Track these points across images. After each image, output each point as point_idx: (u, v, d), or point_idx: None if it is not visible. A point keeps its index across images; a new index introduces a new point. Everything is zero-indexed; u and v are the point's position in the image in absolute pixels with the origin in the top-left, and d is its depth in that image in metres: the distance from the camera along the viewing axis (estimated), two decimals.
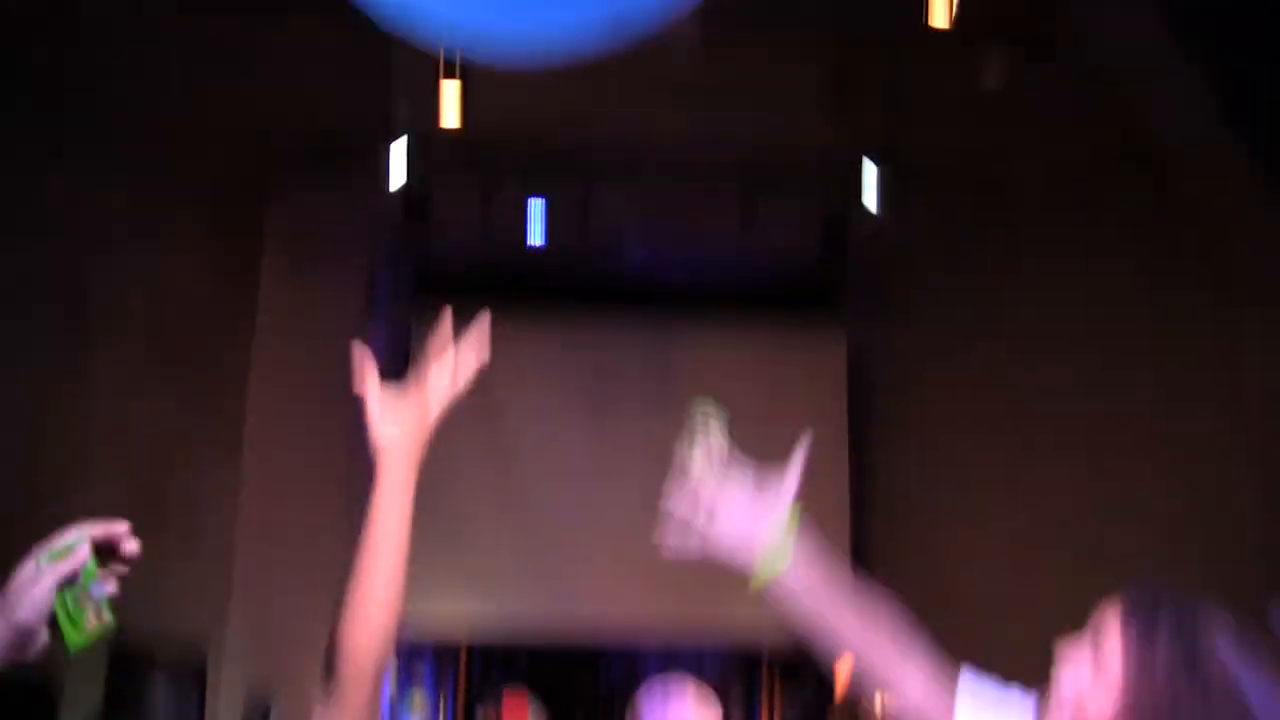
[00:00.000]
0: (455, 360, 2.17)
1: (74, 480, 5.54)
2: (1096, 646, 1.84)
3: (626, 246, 7.36)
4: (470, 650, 8.35)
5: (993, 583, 6.49)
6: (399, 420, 2.12)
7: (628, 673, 7.65)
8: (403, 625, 2.12)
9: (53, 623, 1.63)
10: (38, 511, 4.75)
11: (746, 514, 2.06)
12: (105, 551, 1.65)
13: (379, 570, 2.08)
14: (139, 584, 1.73)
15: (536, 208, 7.28)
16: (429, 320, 2.23)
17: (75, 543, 1.63)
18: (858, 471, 7.72)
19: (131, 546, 1.67)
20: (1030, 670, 2.01)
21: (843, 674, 6.61)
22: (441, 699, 8.30)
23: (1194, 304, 5.96)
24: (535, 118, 6.37)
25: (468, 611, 7.70)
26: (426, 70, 5.57)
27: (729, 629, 7.43)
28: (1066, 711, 1.85)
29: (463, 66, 5.54)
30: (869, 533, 7.55)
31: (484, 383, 2.22)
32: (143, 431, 6.11)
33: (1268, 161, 4.00)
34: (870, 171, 6.76)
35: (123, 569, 1.67)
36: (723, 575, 2.13)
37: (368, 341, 2.42)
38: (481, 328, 2.19)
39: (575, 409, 7.74)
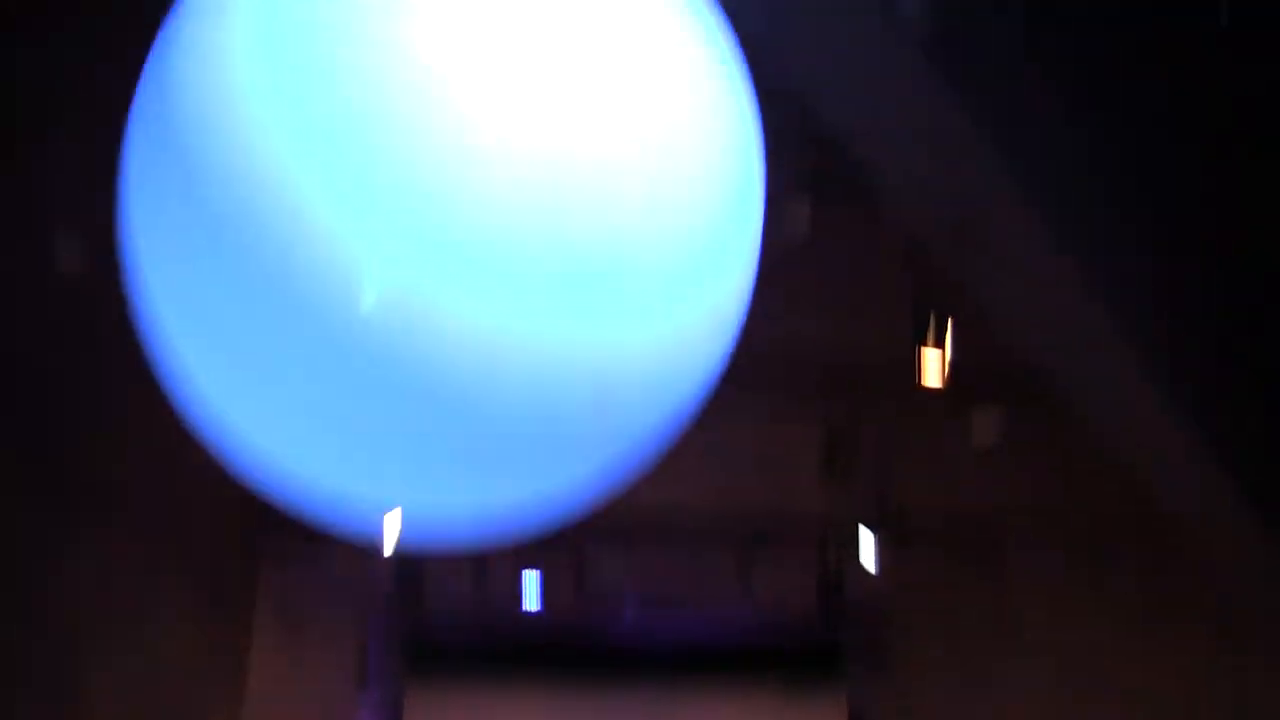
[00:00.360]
0: None
1: None
2: None
3: (623, 610, 7.32)
4: None
5: None
6: None
7: None
8: None
9: None
10: None
11: None
12: None
13: None
14: None
15: (531, 575, 7.25)
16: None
17: None
18: None
19: None
20: None
21: None
22: None
23: (1196, 653, 5.98)
24: None
25: None
26: None
27: None
28: None
29: None
30: None
31: None
32: None
33: (1268, 509, 4.01)
34: (867, 532, 6.78)
35: None
36: None
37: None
38: None
39: None
